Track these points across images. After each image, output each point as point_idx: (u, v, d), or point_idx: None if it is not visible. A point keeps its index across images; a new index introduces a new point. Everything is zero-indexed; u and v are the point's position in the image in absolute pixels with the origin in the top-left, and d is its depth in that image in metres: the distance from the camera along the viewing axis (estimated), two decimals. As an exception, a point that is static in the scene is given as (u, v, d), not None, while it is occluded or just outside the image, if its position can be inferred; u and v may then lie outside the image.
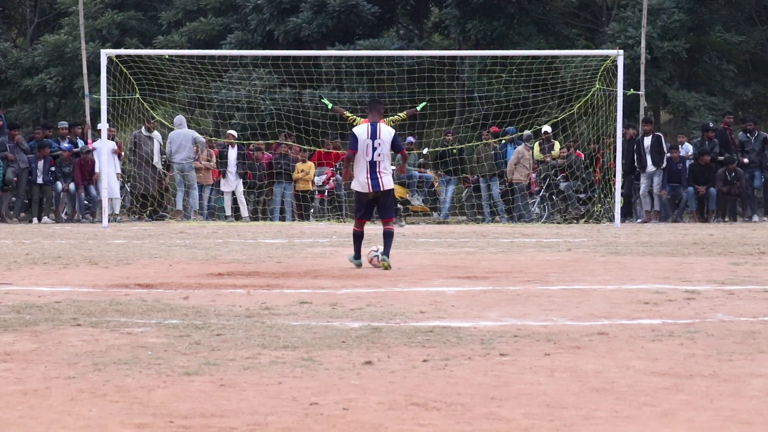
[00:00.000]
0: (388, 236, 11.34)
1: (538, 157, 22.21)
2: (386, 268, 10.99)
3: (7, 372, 5.61)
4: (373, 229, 18.71)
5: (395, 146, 11.40)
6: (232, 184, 22.50)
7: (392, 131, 11.44)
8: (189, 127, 23.00)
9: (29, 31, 33.78)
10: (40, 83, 30.28)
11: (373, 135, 11.29)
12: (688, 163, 21.91)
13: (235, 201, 22.67)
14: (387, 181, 11.37)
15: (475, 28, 27.21)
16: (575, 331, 6.84)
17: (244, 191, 22.61)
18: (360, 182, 11.37)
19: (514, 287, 9.35)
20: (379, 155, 11.26)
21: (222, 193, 22.73)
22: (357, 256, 11.46)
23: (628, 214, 22.13)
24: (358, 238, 11.44)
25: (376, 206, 11.53)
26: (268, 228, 19.39)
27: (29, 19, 34.27)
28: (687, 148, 22.20)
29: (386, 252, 11.20)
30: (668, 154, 21.59)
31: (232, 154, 22.51)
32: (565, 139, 22.58)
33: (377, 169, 11.28)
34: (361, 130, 11.37)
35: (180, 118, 22.50)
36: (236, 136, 22.84)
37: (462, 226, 20.34)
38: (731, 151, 21.74)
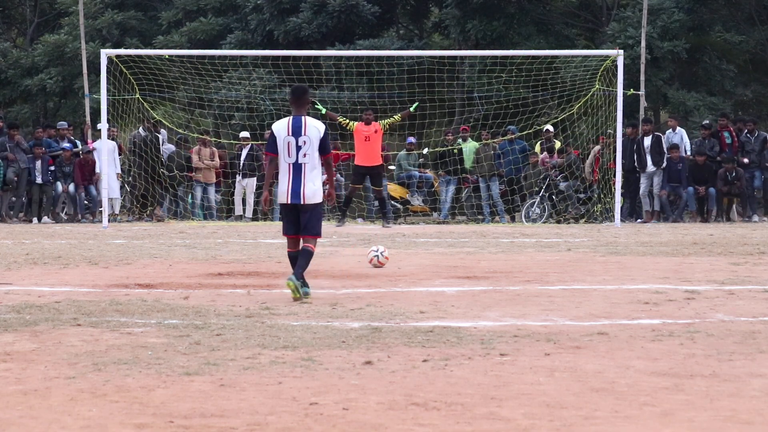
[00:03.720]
0: (304, 255, 8.84)
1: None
2: (294, 297, 8.53)
3: (7, 372, 5.61)
4: (373, 229, 18.75)
5: (322, 148, 8.96)
6: (244, 182, 22.50)
7: (322, 127, 9.01)
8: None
9: (29, 31, 33.80)
10: (40, 83, 30.31)
11: (296, 131, 8.90)
12: (687, 145, 21.80)
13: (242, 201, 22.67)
14: (311, 193, 8.93)
15: (475, 28, 27.21)
16: (575, 331, 6.84)
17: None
18: (280, 189, 8.97)
19: (514, 287, 9.35)
20: (304, 155, 8.88)
21: (230, 193, 22.76)
22: (303, 283, 8.67)
23: (632, 213, 22.08)
24: (294, 260, 8.94)
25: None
26: (268, 228, 19.38)
27: (29, 19, 34.29)
28: (682, 138, 21.98)
29: (296, 273, 8.65)
30: (668, 155, 21.58)
31: (243, 153, 22.49)
32: (565, 139, 22.57)
33: (301, 175, 8.90)
34: (281, 125, 9.03)
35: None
36: (249, 137, 22.80)
37: (462, 226, 20.33)
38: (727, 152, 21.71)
